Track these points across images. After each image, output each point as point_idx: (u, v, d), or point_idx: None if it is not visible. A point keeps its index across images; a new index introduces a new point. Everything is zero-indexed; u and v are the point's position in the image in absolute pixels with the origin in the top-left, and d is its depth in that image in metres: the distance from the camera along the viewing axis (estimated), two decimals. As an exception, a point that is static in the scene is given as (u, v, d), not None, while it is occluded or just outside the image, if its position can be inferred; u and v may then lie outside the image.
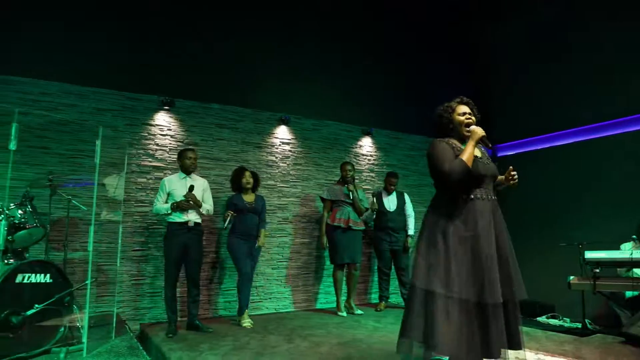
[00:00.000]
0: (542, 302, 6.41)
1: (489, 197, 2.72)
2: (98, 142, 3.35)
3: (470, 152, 2.65)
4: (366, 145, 6.45)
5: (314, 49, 5.97)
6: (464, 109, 2.83)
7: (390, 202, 5.71)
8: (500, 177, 2.89)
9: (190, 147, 4.86)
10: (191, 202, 4.25)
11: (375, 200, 5.49)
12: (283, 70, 5.77)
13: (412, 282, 2.70)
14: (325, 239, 5.22)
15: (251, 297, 5.04)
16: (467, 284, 2.55)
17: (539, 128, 6.77)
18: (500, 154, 7.35)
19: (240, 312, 4.68)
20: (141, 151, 4.96)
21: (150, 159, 5.00)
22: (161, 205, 4.32)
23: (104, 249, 4.68)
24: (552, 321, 6.07)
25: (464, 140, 2.75)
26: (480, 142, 2.72)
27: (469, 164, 2.62)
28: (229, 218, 4.54)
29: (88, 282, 3.29)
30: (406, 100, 6.66)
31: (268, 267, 5.51)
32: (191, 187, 4.29)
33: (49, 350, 3.21)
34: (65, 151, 4.60)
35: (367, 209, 5.39)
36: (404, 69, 6.71)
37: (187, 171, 4.43)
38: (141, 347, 3.45)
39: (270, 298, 5.48)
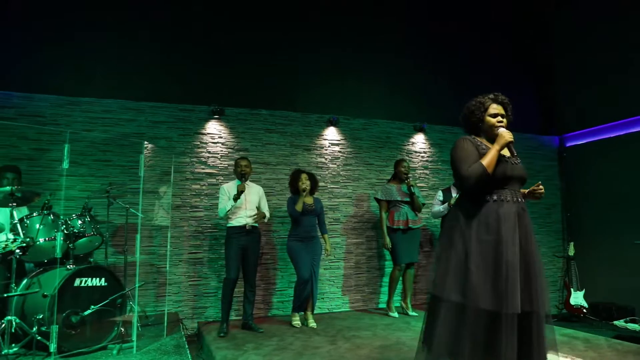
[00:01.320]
0: (619, 304, 5.91)
1: (515, 199, 2.56)
2: (141, 156, 3.62)
3: (492, 156, 2.52)
4: (419, 142, 6.30)
5: (358, 47, 5.95)
6: (496, 109, 2.66)
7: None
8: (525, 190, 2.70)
9: (243, 156, 5.03)
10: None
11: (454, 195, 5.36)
12: (330, 71, 5.83)
13: (431, 289, 2.64)
14: (388, 240, 5.16)
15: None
16: (484, 291, 2.43)
17: (611, 114, 6.20)
18: (568, 144, 6.84)
19: (294, 310, 4.78)
20: (194, 159, 5.26)
21: (203, 166, 5.27)
22: (224, 204, 4.50)
23: (162, 252, 5.03)
24: (631, 325, 5.57)
25: (493, 141, 2.59)
26: (506, 147, 2.57)
27: (490, 169, 2.50)
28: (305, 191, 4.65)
29: (136, 285, 3.57)
30: (462, 91, 6.34)
31: (320, 268, 5.55)
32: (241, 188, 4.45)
33: (106, 347, 3.53)
34: (126, 162, 4.99)
35: (441, 203, 5.31)
36: (458, 59, 6.47)
37: (241, 179, 4.59)
38: (187, 347, 3.68)
39: (323, 298, 5.56)
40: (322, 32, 5.83)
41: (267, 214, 4.75)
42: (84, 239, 3.87)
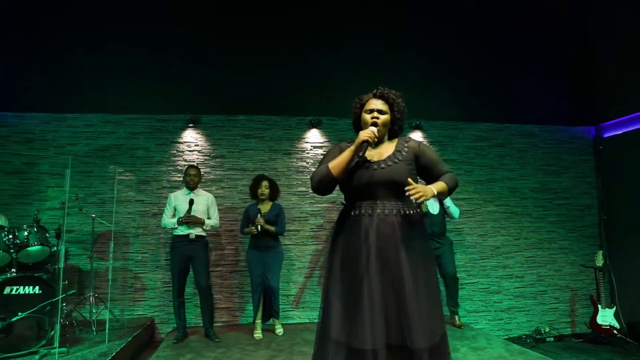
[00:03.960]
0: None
1: (381, 211, 2.21)
2: (67, 171, 3.75)
3: (342, 157, 2.25)
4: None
5: (344, 41, 5.59)
6: (374, 104, 2.34)
7: (433, 205, 5.04)
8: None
9: (192, 164, 4.97)
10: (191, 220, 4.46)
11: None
12: (312, 71, 5.56)
13: None
14: None
15: (282, 307, 5.04)
16: (339, 321, 2.18)
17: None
18: (606, 134, 5.81)
19: (254, 319, 4.72)
20: (171, 168, 5.36)
21: (179, 175, 5.36)
22: (168, 219, 4.60)
23: (139, 258, 5.21)
24: (669, 352, 4.59)
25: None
26: (360, 147, 2.22)
27: (335, 171, 2.21)
28: (258, 225, 4.58)
29: (59, 297, 3.71)
30: (471, 83, 5.80)
31: (300, 276, 5.40)
32: (191, 201, 4.49)
33: (37, 352, 3.72)
34: (105, 173, 5.25)
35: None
36: (466, 46, 5.81)
37: (190, 187, 4.63)
38: (112, 354, 3.74)
39: (303, 307, 5.36)
40: (302, 29, 5.58)
41: (214, 222, 4.66)
42: (35, 247, 4.12)
